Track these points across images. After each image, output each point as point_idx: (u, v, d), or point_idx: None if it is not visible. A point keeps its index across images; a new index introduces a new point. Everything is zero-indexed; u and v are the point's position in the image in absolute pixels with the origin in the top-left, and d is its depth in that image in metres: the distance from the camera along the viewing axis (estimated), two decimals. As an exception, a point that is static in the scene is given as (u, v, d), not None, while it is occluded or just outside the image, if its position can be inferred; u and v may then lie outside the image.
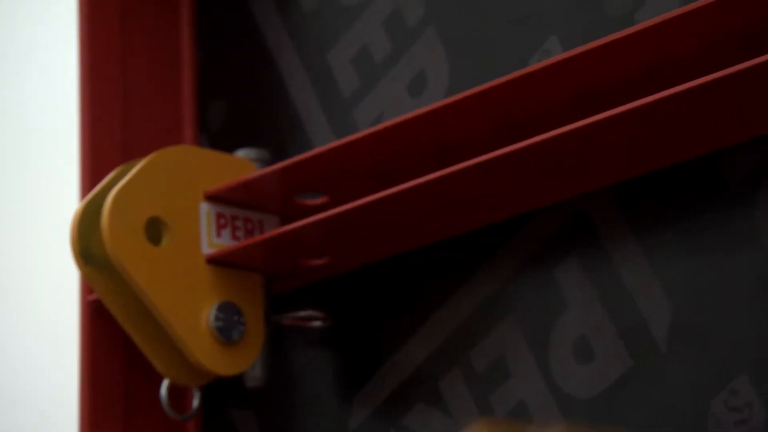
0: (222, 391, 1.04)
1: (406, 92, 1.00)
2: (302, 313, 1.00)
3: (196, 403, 0.99)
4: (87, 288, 1.02)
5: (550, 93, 0.85)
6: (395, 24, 1.01)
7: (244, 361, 0.96)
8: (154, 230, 0.94)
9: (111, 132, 1.05)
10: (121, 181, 0.94)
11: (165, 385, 0.97)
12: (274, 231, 0.94)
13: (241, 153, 1.00)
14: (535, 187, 0.89)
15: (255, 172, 0.98)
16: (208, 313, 0.95)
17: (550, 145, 0.82)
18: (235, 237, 0.97)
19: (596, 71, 0.83)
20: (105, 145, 1.04)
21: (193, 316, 0.94)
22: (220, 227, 0.97)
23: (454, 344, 0.95)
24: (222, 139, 1.08)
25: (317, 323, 1.00)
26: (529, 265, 0.92)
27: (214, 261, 0.96)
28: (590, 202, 0.89)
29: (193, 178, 0.96)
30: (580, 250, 0.90)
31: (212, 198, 0.97)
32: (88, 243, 0.95)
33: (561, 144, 0.82)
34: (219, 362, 0.94)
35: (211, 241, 0.96)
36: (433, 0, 0.99)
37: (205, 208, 0.96)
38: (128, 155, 1.04)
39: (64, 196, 1.15)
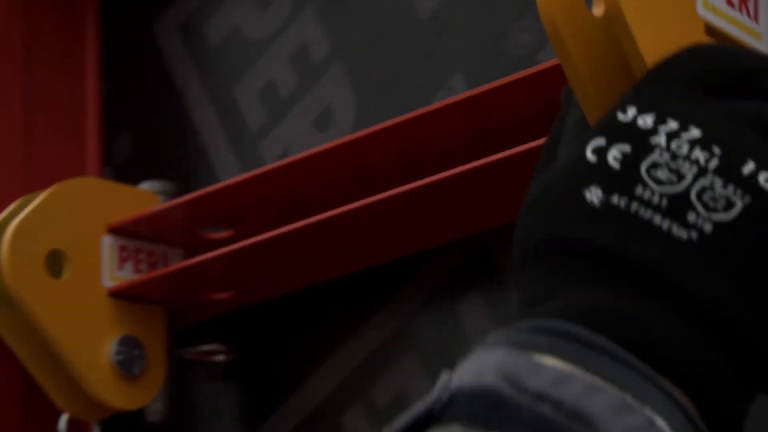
0: (123, 426, 1.03)
1: (313, 127, 1.00)
2: (205, 347, 0.99)
3: (96, 437, 0.98)
4: (-14, 320, 1.01)
5: (454, 129, 0.86)
6: (301, 59, 1.01)
7: (144, 396, 0.95)
8: (55, 263, 0.93)
9: (12, 164, 1.04)
10: (21, 213, 0.93)
11: (64, 419, 0.96)
12: (177, 265, 0.94)
13: (146, 185, 0.99)
14: (440, 224, 0.89)
15: (159, 205, 0.97)
16: (109, 347, 0.94)
17: (453, 181, 0.83)
18: (137, 270, 0.96)
19: (499, 109, 0.84)
20: (6, 177, 1.03)
21: (93, 350, 0.93)
22: (122, 260, 0.96)
23: (357, 379, 0.95)
24: (127, 172, 1.08)
25: (220, 357, 0.99)
26: (432, 301, 0.92)
27: (116, 294, 0.95)
28: (493, 238, 0.90)
29: (95, 210, 0.95)
30: (482, 286, 0.90)
31: (115, 231, 0.96)
32: (-13, 275, 0.94)
33: (464, 180, 0.83)
34: (119, 396, 0.94)
35: (112, 274, 0.95)
36: (339, 36, 0.99)
37: (107, 241, 0.96)
38: (30, 188, 1.03)
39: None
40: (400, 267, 0.94)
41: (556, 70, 0.81)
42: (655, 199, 0.47)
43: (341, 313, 0.96)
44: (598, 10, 0.50)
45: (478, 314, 0.90)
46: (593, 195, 0.47)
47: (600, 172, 0.47)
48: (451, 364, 0.91)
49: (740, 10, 0.53)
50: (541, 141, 0.80)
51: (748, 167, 0.47)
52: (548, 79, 0.81)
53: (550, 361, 0.44)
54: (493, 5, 0.92)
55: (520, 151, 0.80)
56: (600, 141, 0.48)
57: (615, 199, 0.47)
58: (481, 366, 0.45)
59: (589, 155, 0.48)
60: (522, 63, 0.90)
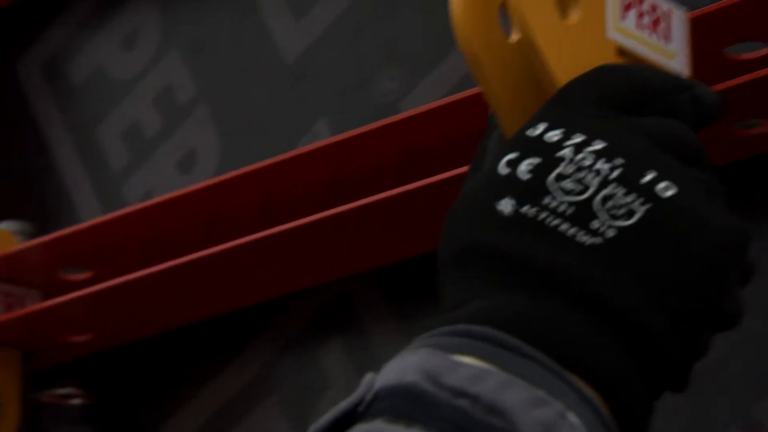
0: (-24, 470, 1.01)
1: (177, 169, 1.00)
2: (62, 390, 0.98)
3: (-53, 482, 0.96)
4: None
5: (316, 175, 0.86)
6: (166, 101, 1.01)
7: (-2, 439, 0.94)
8: None
9: None
10: None
11: None
12: (34, 306, 0.93)
13: (3, 225, 0.98)
14: (300, 269, 0.90)
15: (17, 245, 0.96)
16: (-39, 390, 0.92)
17: (311, 227, 0.83)
18: (-7, 311, 0.95)
19: (362, 155, 0.85)
20: None
21: (-56, 393, 0.91)
22: (-23, 301, 0.95)
23: (218, 423, 0.94)
24: (-14, 211, 1.06)
25: (77, 400, 0.98)
26: (293, 345, 0.92)
27: (-30, 336, 0.94)
28: (353, 284, 0.91)
29: (-51, 251, 0.94)
30: (342, 331, 0.91)
31: (-30, 271, 0.95)
32: None
33: (322, 227, 0.83)
34: (-29, 440, 0.92)
35: (-34, 315, 0.94)
36: (204, 79, 0.99)
37: (-39, 282, 0.94)
38: None
39: None
40: (261, 311, 0.94)
41: (419, 119, 0.82)
42: (561, 208, 0.49)
43: (202, 356, 0.96)
44: (515, 36, 0.52)
45: (338, 358, 0.91)
46: (505, 205, 0.50)
47: (511, 184, 0.50)
48: (312, 408, 0.91)
49: (651, 31, 0.56)
50: (402, 189, 0.80)
51: (648, 177, 0.50)
52: (410, 127, 0.82)
53: (468, 360, 0.47)
54: (358, 53, 0.92)
55: (380, 198, 0.81)
56: (512, 155, 0.51)
57: (525, 208, 0.50)
58: (403, 366, 0.47)
59: (501, 169, 0.50)
60: (386, 110, 0.90)
